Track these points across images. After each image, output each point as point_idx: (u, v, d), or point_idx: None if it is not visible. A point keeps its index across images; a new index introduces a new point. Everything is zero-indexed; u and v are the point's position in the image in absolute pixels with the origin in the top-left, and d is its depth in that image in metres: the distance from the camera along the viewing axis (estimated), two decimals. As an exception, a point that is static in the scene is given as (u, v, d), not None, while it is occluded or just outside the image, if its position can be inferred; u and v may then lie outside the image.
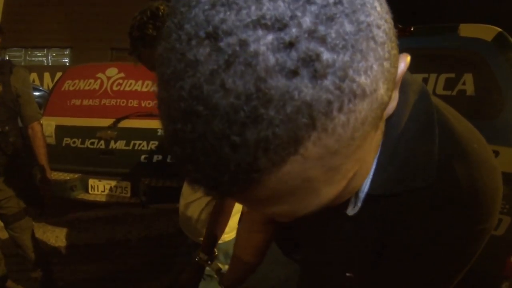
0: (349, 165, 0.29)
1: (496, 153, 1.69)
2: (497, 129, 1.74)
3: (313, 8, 0.23)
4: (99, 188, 3.23)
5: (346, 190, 0.33)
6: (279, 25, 0.23)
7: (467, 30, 1.96)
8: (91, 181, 3.24)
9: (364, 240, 0.55)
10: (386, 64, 0.27)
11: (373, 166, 0.45)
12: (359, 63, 0.24)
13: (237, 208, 1.28)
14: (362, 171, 0.34)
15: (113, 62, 4.79)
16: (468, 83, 1.90)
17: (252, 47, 0.23)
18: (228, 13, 0.23)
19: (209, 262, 1.19)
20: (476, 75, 1.89)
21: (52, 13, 11.10)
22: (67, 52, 11.88)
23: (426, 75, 2.04)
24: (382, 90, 0.27)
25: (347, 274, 0.61)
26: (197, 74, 0.24)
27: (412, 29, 2.14)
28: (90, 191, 3.25)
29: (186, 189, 1.49)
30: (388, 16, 0.29)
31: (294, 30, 0.23)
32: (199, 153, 0.25)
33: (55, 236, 3.31)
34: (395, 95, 0.34)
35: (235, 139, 0.24)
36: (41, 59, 11.90)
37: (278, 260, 0.94)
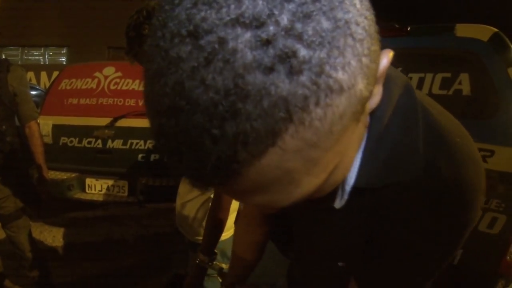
0: (329, 157, 0.30)
1: (492, 152, 1.70)
2: (493, 128, 1.75)
3: (291, 6, 0.24)
4: (96, 188, 3.23)
5: (327, 183, 0.34)
6: (256, 23, 0.23)
7: (463, 30, 1.96)
8: (88, 181, 3.23)
9: (352, 232, 0.56)
10: (365, 60, 0.27)
11: (359, 160, 0.46)
12: (336, 59, 0.25)
13: (234, 207, 1.29)
14: (344, 164, 0.35)
15: (111, 61, 4.79)
16: (464, 83, 1.91)
17: (231, 45, 0.23)
18: (208, 11, 0.24)
19: (210, 264, 1.19)
20: (472, 75, 1.89)
21: (49, 12, 11.07)
22: (64, 51, 11.85)
23: (422, 75, 2.05)
24: (361, 85, 0.27)
25: (340, 264, 0.63)
26: (179, 71, 0.25)
27: (408, 28, 2.15)
28: (87, 191, 3.25)
29: (182, 188, 1.49)
30: (369, 13, 0.29)
31: (271, 28, 0.23)
32: (183, 146, 0.27)
33: (52, 236, 3.30)
34: (378, 90, 0.35)
35: (215, 132, 0.25)
36: (38, 58, 11.87)
37: (277, 257, 0.96)
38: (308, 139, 0.26)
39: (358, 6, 0.27)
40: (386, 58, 0.33)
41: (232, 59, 0.23)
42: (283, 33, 0.24)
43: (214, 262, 1.19)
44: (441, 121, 0.48)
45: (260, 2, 0.24)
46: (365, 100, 0.29)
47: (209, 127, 0.25)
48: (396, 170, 0.46)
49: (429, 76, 2.02)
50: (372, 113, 0.41)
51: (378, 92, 0.35)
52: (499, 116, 1.75)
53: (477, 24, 1.96)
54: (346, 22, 0.26)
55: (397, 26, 2.22)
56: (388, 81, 0.44)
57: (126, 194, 3.21)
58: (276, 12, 0.24)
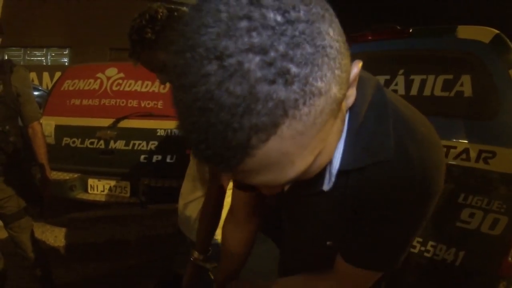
0: (315, 143, 0.40)
1: (493, 154, 1.70)
2: (494, 130, 1.75)
3: (285, 39, 0.34)
4: (99, 188, 3.24)
5: (315, 164, 0.45)
6: (263, 51, 0.33)
7: (465, 31, 1.96)
8: (91, 181, 3.24)
9: (339, 211, 0.66)
10: (337, 72, 0.38)
11: (342, 147, 0.58)
12: (316, 73, 0.36)
13: (225, 209, 1.29)
14: (326, 149, 0.46)
15: (113, 62, 4.80)
16: (466, 84, 1.90)
17: (246, 66, 0.33)
18: (228, 42, 0.34)
19: (204, 261, 1.19)
20: (474, 76, 1.89)
21: (51, 13, 11.10)
22: (66, 51, 11.89)
23: (424, 77, 2.04)
24: (334, 89, 0.38)
25: (328, 243, 0.73)
26: (209, 83, 0.34)
27: (410, 30, 2.16)
28: (89, 191, 3.26)
29: (185, 189, 1.49)
30: (340, 38, 0.40)
31: (272, 54, 0.34)
32: (211, 136, 0.36)
33: (54, 236, 3.30)
34: (352, 92, 0.48)
35: (235, 126, 0.34)
36: (40, 58, 11.90)
37: (273, 253, 0.98)
38: (299, 129, 0.37)
39: (331, 34, 0.38)
40: (356, 67, 0.45)
41: (247, 76, 0.33)
42: (280, 57, 0.34)
43: (209, 260, 1.20)
44: (406, 113, 0.60)
45: (265, 37, 0.33)
46: (339, 100, 0.40)
47: (231, 122, 0.34)
48: (373, 153, 0.57)
49: (431, 78, 2.02)
50: (351, 109, 0.56)
51: (352, 94, 0.48)
52: (501, 117, 1.75)
53: (479, 26, 1.96)
54: (323, 47, 0.36)
55: (399, 27, 2.23)
56: (362, 83, 0.57)
57: (128, 194, 3.22)
58: (275, 44, 0.34)
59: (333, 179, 0.61)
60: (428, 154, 0.57)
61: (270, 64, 0.33)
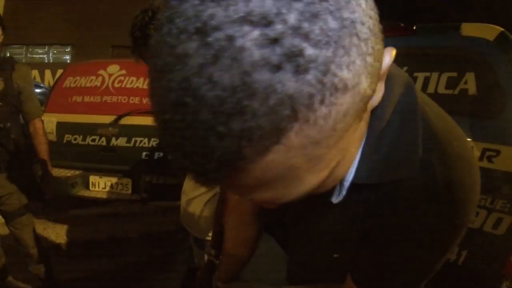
0: (332, 154, 0.31)
1: (497, 152, 1.68)
2: (498, 128, 1.73)
3: (298, 5, 0.24)
4: (100, 185, 3.23)
5: (329, 179, 0.34)
6: (264, 21, 0.24)
7: (469, 29, 1.95)
8: (92, 178, 3.24)
9: (348, 225, 0.57)
10: (369, 59, 0.28)
11: (358, 156, 0.46)
12: (342, 58, 0.26)
13: None
14: (345, 161, 0.35)
15: (115, 59, 4.78)
16: (470, 82, 1.89)
17: (238, 43, 0.24)
18: (216, 9, 0.24)
19: (214, 256, 1.20)
20: (478, 74, 1.88)
21: (53, 10, 11.08)
22: (68, 49, 11.88)
23: (428, 74, 2.03)
24: (365, 83, 0.28)
25: (335, 256, 0.63)
26: (186, 67, 0.25)
27: (414, 28, 2.14)
28: (91, 188, 3.25)
29: (187, 185, 1.49)
30: (373, 13, 0.29)
31: (279, 26, 0.24)
32: (187, 141, 0.26)
33: (56, 233, 3.31)
34: (381, 87, 0.36)
35: (220, 129, 0.25)
36: (42, 56, 11.89)
37: (280, 254, 0.96)
38: (312, 136, 0.27)
39: (363, 6, 0.28)
40: (389, 56, 0.34)
41: (239, 57, 0.24)
42: (290, 32, 0.24)
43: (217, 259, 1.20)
44: (439, 125, 0.48)
45: (268, 1, 0.24)
46: (368, 98, 0.30)
47: (214, 124, 0.25)
48: (394, 168, 0.47)
49: (434, 76, 2.00)
50: (373, 110, 0.41)
51: (380, 89, 0.36)
52: (505, 115, 1.73)
53: (483, 24, 1.95)
54: (352, 21, 0.26)
55: (402, 25, 2.21)
56: (390, 80, 0.43)
57: (129, 191, 3.21)
58: (284, 11, 0.24)
59: (344, 192, 0.50)
60: (459, 178, 0.46)
61: (275, 40, 0.24)
